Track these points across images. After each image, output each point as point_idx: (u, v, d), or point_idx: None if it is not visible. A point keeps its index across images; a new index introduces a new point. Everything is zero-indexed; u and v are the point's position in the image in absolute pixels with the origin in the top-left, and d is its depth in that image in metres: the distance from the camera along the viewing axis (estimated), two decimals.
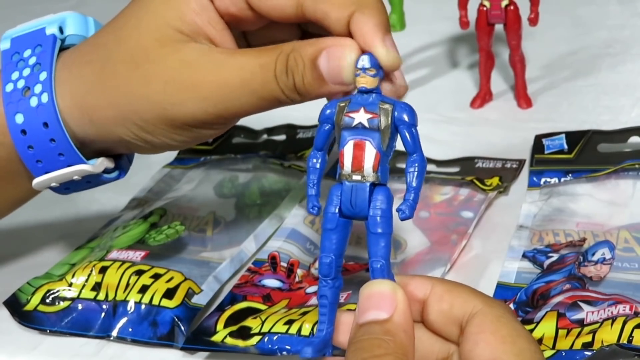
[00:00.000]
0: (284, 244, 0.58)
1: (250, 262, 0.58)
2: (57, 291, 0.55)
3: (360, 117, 0.40)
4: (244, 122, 0.63)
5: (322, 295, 0.41)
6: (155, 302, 0.53)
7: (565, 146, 0.63)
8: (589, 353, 0.45)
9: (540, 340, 0.47)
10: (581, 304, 0.48)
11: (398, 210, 0.39)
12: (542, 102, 0.72)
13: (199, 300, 0.54)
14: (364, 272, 0.54)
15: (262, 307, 0.53)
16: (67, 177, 0.50)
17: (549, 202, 0.59)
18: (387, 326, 0.37)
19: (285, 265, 0.56)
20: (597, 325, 0.46)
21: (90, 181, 0.51)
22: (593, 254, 0.52)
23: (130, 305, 0.53)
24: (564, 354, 0.45)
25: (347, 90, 0.43)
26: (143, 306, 0.53)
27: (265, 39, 0.50)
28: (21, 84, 0.48)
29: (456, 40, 0.82)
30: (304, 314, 0.50)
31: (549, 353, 0.45)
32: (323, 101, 0.45)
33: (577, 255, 0.52)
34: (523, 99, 0.72)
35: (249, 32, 0.50)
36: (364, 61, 0.41)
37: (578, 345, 0.46)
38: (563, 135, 0.64)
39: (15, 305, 0.55)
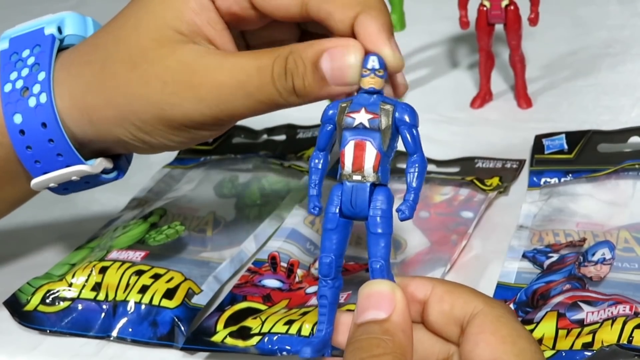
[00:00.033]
0: (284, 244, 0.58)
1: (250, 262, 0.58)
2: (57, 291, 0.55)
3: (361, 117, 0.40)
4: (244, 122, 0.63)
5: (322, 295, 0.41)
6: (155, 302, 0.53)
7: (565, 146, 0.63)
8: (589, 353, 0.45)
9: (540, 341, 0.47)
10: (581, 304, 0.48)
11: (398, 210, 0.40)
12: (542, 102, 0.72)
13: (199, 300, 0.54)
14: (364, 273, 0.54)
15: (262, 307, 0.53)
16: (65, 178, 0.50)
17: (549, 202, 0.59)
18: (385, 326, 0.37)
19: (285, 265, 0.56)
20: (597, 325, 0.46)
21: (88, 182, 0.51)
22: (593, 254, 0.52)
23: (130, 306, 0.53)
24: (564, 354, 0.45)
25: (349, 92, 0.43)
26: (143, 306, 0.53)
27: (264, 39, 0.50)
28: (20, 84, 0.48)
29: (456, 40, 0.82)
30: (304, 314, 0.50)
31: (549, 353, 0.46)
32: (323, 101, 0.45)
33: (577, 256, 0.52)
34: (523, 99, 0.72)
35: (248, 32, 0.50)
36: (374, 62, 0.41)
37: (578, 345, 0.46)
38: (563, 136, 0.64)
39: (15, 306, 0.55)
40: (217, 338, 0.51)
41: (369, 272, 0.40)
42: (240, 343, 0.50)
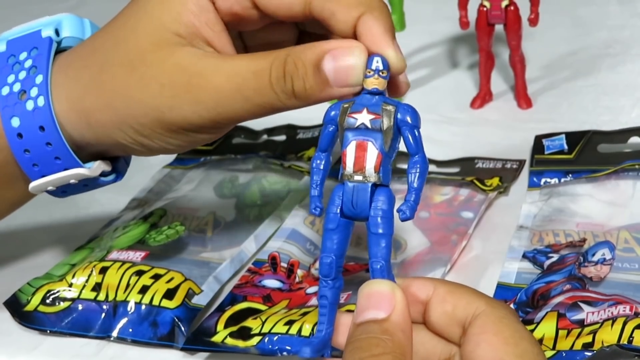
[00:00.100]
0: (284, 244, 0.58)
1: (251, 263, 0.58)
2: (58, 292, 0.55)
3: (363, 117, 0.40)
4: (244, 122, 0.62)
5: (322, 295, 0.41)
6: (156, 302, 0.53)
7: (565, 146, 0.63)
8: (589, 353, 0.45)
9: (540, 341, 0.47)
10: (581, 304, 0.48)
11: (398, 210, 0.40)
12: (542, 102, 0.72)
13: (199, 300, 0.54)
14: (364, 273, 0.54)
15: (262, 307, 0.53)
16: (63, 181, 0.50)
17: (549, 203, 0.59)
18: (385, 325, 0.37)
19: (285, 265, 0.56)
20: (598, 325, 0.46)
21: (87, 184, 0.51)
22: (593, 255, 0.52)
23: (131, 306, 0.53)
24: (564, 354, 0.45)
25: (350, 94, 0.43)
26: (143, 306, 0.53)
27: (262, 40, 0.50)
28: (17, 87, 0.48)
29: (456, 41, 0.82)
30: (304, 314, 0.50)
31: (549, 353, 0.46)
32: (323, 102, 0.45)
33: (577, 256, 0.52)
34: (523, 99, 0.72)
35: (246, 33, 0.50)
36: (378, 62, 0.41)
37: (578, 345, 0.46)
38: (563, 136, 0.64)
39: (15, 306, 0.55)
40: (217, 338, 0.51)
41: (370, 272, 0.40)
42: (240, 343, 0.50)
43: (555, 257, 0.53)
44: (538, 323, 0.48)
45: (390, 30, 0.42)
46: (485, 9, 0.69)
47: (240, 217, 0.62)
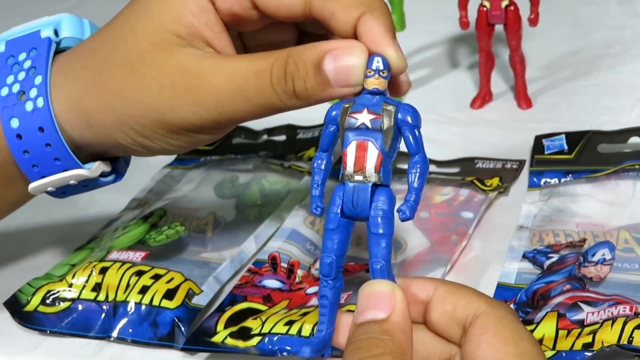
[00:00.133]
0: (284, 244, 0.58)
1: (251, 263, 0.58)
2: (58, 292, 0.55)
3: (364, 117, 0.40)
4: (244, 122, 0.63)
5: (323, 295, 0.41)
6: (156, 302, 0.53)
7: (565, 147, 0.63)
8: (589, 354, 0.45)
9: (540, 341, 0.47)
10: (581, 304, 0.48)
11: (398, 211, 0.40)
12: (542, 102, 0.72)
13: (199, 300, 0.54)
14: (365, 273, 0.54)
15: (262, 307, 0.53)
16: (63, 182, 0.49)
17: (549, 203, 0.59)
18: (385, 326, 0.37)
19: (285, 265, 0.56)
20: (598, 325, 0.46)
21: (87, 185, 0.51)
22: (593, 255, 0.52)
23: (131, 306, 0.53)
24: (564, 354, 0.45)
25: (350, 94, 0.43)
26: (143, 307, 0.53)
27: (262, 40, 0.49)
28: (16, 88, 0.48)
29: (456, 41, 0.82)
30: (305, 314, 0.50)
31: (549, 354, 0.46)
32: (322, 104, 0.45)
33: (577, 256, 0.52)
34: (523, 99, 0.72)
35: (246, 33, 0.50)
36: (379, 62, 0.41)
37: (578, 345, 0.46)
38: (563, 136, 0.64)
39: (15, 306, 0.55)
40: (217, 338, 0.51)
41: (370, 272, 0.40)
42: (240, 343, 0.50)
43: (555, 257, 0.53)
44: (538, 323, 0.48)
45: (390, 30, 0.42)
46: (485, 9, 0.69)
47: (240, 217, 0.62)
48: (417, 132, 0.40)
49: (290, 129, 0.71)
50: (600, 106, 0.70)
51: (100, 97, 0.47)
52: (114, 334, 0.53)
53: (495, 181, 0.61)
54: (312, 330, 0.49)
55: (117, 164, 0.52)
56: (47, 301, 0.55)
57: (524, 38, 0.70)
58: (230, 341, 0.50)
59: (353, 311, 0.39)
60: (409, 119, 0.40)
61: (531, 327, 0.48)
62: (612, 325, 0.46)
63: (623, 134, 0.63)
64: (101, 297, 0.54)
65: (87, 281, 0.55)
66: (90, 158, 0.50)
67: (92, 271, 0.55)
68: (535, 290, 0.51)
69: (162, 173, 0.69)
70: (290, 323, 0.50)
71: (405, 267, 0.55)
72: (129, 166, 0.53)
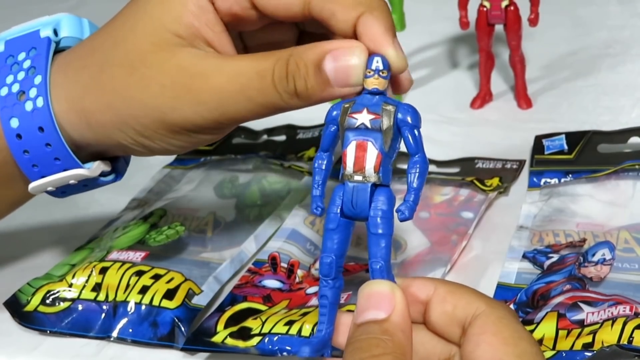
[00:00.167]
0: (284, 244, 0.58)
1: (251, 263, 0.58)
2: (58, 292, 0.55)
3: (363, 117, 0.40)
4: (245, 122, 0.63)
5: (323, 295, 0.41)
6: (156, 302, 0.53)
7: (565, 147, 0.63)
8: (589, 354, 0.45)
9: (540, 341, 0.47)
10: (581, 304, 0.48)
11: (397, 211, 0.40)
12: (542, 102, 0.72)
13: (199, 300, 0.54)
14: (365, 273, 0.54)
15: (262, 307, 0.53)
16: (63, 182, 0.49)
17: (549, 203, 0.59)
18: (385, 326, 0.37)
19: (285, 265, 0.56)
20: (598, 326, 0.46)
21: (87, 185, 0.51)
22: (593, 255, 0.52)
23: (131, 306, 0.53)
24: (564, 354, 0.45)
25: (351, 93, 0.43)
26: (143, 307, 0.53)
27: (262, 40, 0.49)
28: (16, 87, 0.48)
29: (456, 41, 0.82)
30: (305, 314, 0.50)
31: (549, 354, 0.46)
32: (323, 103, 0.45)
33: (577, 256, 0.52)
34: (523, 99, 0.72)
35: (246, 33, 0.50)
36: (379, 63, 0.41)
37: (578, 345, 0.46)
38: (563, 136, 0.64)
39: (15, 306, 0.55)
40: (217, 338, 0.51)
41: (369, 272, 0.40)
42: (240, 343, 0.50)
43: (555, 257, 0.53)
44: (538, 323, 0.48)
45: (390, 29, 0.42)
46: (485, 9, 0.69)
47: (240, 217, 0.62)
48: (416, 132, 0.40)
49: (290, 129, 0.71)
50: (600, 106, 0.70)
51: (100, 97, 0.47)
52: (114, 334, 0.53)
53: (495, 181, 0.61)
54: (312, 330, 0.49)
55: (117, 164, 0.52)
56: (47, 301, 0.55)
57: (524, 38, 0.70)
58: (230, 341, 0.50)
59: (353, 311, 0.39)
60: (409, 119, 0.40)
61: (531, 327, 0.48)
62: (612, 325, 0.46)
63: (623, 134, 0.63)
64: (101, 297, 0.54)
65: (87, 281, 0.55)
66: (90, 158, 0.50)
67: (92, 271, 0.55)
68: (535, 290, 0.51)
69: (162, 173, 0.69)
70: (290, 323, 0.50)
71: (405, 267, 0.55)
72: (128, 166, 0.53)
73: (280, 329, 0.49)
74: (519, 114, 0.72)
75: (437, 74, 0.79)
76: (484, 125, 0.71)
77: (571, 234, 0.55)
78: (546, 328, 0.47)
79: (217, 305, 0.54)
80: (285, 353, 0.49)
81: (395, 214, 0.40)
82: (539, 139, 0.65)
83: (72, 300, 0.55)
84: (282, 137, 0.71)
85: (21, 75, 0.48)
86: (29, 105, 0.48)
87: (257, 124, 0.71)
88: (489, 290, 0.52)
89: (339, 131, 0.41)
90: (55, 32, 0.50)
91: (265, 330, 0.50)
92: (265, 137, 0.71)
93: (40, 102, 0.47)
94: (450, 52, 0.82)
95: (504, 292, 0.52)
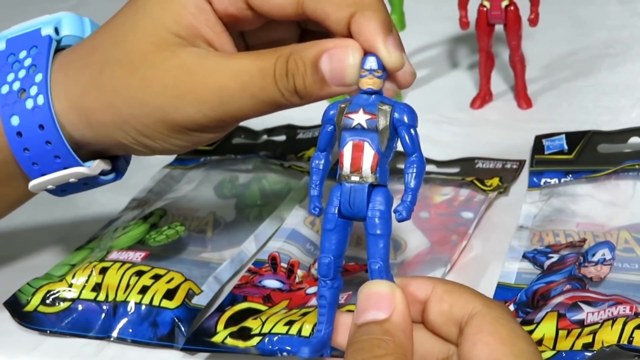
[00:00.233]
0: (284, 244, 0.58)
1: (251, 263, 0.58)
2: (57, 292, 0.55)
3: (359, 118, 0.40)
4: (244, 122, 0.62)
5: (321, 295, 0.41)
6: (156, 302, 0.53)
7: (566, 147, 0.63)
8: (590, 354, 0.45)
9: (540, 341, 0.47)
10: (581, 304, 0.48)
11: (395, 211, 0.39)
12: (542, 102, 0.72)
13: (199, 300, 0.54)
14: (364, 273, 0.54)
15: (262, 307, 0.53)
16: (63, 180, 0.50)
17: (549, 203, 0.59)
18: (386, 326, 0.37)
19: (285, 265, 0.56)
20: (598, 326, 0.46)
21: (87, 183, 0.51)
22: (593, 255, 0.52)
23: (131, 306, 0.53)
24: (564, 354, 0.45)
25: (349, 91, 0.43)
26: (143, 307, 0.53)
27: (263, 39, 0.50)
28: (17, 85, 0.48)
29: (456, 41, 0.82)
30: (305, 314, 0.50)
31: (549, 354, 0.45)
32: (323, 102, 0.45)
33: (578, 256, 0.52)
34: (523, 99, 0.72)
35: (247, 32, 0.50)
36: (372, 63, 0.41)
37: (578, 346, 0.46)
38: (563, 136, 0.64)
39: (15, 306, 0.55)
40: (217, 338, 0.51)
41: (368, 273, 0.40)
42: (240, 343, 0.50)
43: (555, 257, 0.53)
44: (538, 323, 0.48)
45: (383, 28, 0.42)
46: (485, 9, 0.69)
47: (240, 217, 0.62)
48: (413, 132, 0.40)
49: (290, 129, 0.71)
50: (600, 106, 0.70)
51: (100, 97, 0.47)
52: (114, 334, 0.53)
53: (495, 181, 0.61)
54: (312, 330, 0.49)
55: (118, 163, 0.52)
56: (47, 301, 0.55)
57: (524, 38, 0.70)
58: (230, 341, 0.50)
59: (352, 311, 0.39)
60: (405, 119, 0.40)
61: (531, 327, 0.48)
62: (612, 325, 0.46)
63: (623, 134, 0.63)
64: (101, 297, 0.54)
65: (87, 281, 0.55)
66: (90, 156, 0.50)
67: (92, 271, 0.55)
68: (535, 291, 0.51)
69: (162, 173, 0.69)
70: (290, 323, 0.50)
71: (405, 267, 0.55)
72: (129, 165, 0.53)
73: (280, 329, 0.49)
74: (519, 114, 0.72)
75: (437, 74, 0.79)
76: (484, 125, 0.71)
77: (571, 234, 0.55)
78: (546, 328, 0.47)
79: (217, 305, 0.54)
80: (285, 353, 0.49)
81: (393, 215, 0.40)
82: (539, 139, 0.65)
83: (72, 300, 0.55)
84: (282, 137, 0.71)
85: (22, 73, 0.48)
86: (29, 103, 0.48)
87: (257, 124, 0.71)
88: (489, 290, 0.52)
89: (336, 131, 0.41)
90: (57, 31, 0.50)
91: (265, 330, 0.50)
92: (265, 137, 0.71)
93: (40, 99, 0.47)
94: (450, 52, 0.82)
95: (504, 292, 0.52)
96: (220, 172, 0.68)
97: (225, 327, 0.51)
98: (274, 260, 0.57)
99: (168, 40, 0.46)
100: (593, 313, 0.47)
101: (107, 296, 0.54)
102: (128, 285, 0.54)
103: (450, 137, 0.69)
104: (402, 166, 0.40)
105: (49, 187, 0.50)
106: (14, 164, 0.49)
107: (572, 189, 0.59)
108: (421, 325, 0.40)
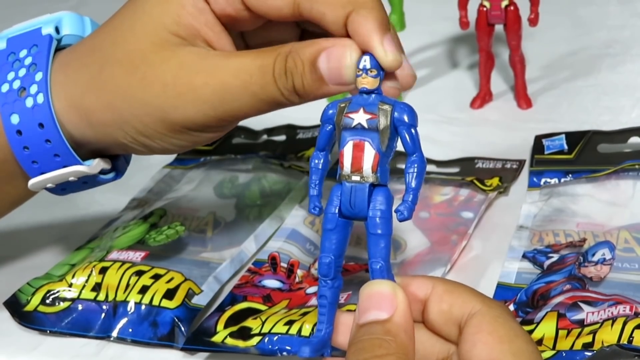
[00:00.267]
0: (284, 244, 0.58)
1: (251, 263, 0.58)
2: (57, 292, 0.55)
3: (360, 117, 0.40)
4: (244, 122, 0.62)
5: (322, 295, 0.41)
6: (156, 302, 0.53)
7: (565, 146, 0.63)
8: (589, 353, 0.45)
9: (540, 341, 0.47)
10: (581, 304, 0.48)
11: (396, 211, 0.39)
12: (542, 102, 0.72)
13: (199, 300, 0.54)
14: (364, 273, 0.54)
15: (262, 307, 0.53)
16: (62, 178, 0.50)
17: (549, 203, 0.59)
18: (387, 326, 0.37)
19: (285, 265, 0.56)
20: (598, 325, 0.46)
21: (86, 182, 0.51)
22: (593, 255, 0.52)
23: (131, 306, 0.53)
24: (564, 354, 0.45)
25: (347, 90, 0.43)
26: (143, 307, 0.53)
27: (263, 39, 0.50)
28: (17, 84, 0.48)
29: (456, 41, 0.82)
30: (304, 314, 0.50)
31: (549, 353, 0.46)
32: (323, 101, 0.45)
33: (577, 256, 0.52)
34: (523, 99, 0.72)
35: (247, 32, 0.50)
36: (366, 62, 0.41)
37: (578, 345, 0.46)
38: (563, 136, 0.64)
39: (15, 306, 0.55)
40: (217, 338, 0.51)
41: (369, 272, 0.40)
42: (240, 343, 0.50)
43: (555, 257, 0.53)
44: (538, 323, 0.48)
45: (379, 27, 0.42)
46: (485, 9, 0.69)
47: (240, 217, 0.62)
48: (413, 131, 0.40)
49: (290, 129, 0.71)
50: (600, 106, 0.70)
51: (100, 96, 0.47)
52: (114, 333, 0.53)
53: (495, 181, 0.61)
54: (312, 330, 0.49)
55: (117, 162, 0.52)
56: (47, 301, 0.55)
57: (524, 38, 0.70)
58: (230, 341, 0.50)
59: (352, 311, 0.39)
60: (406, 118, 0.40)
61: (531, 327, 0.48)
62: (612, 325, 0.46)
63: (623, 134, 0.63)
64: (101, 297, 0.54)
65: (87, 281, 0.55)
66: (90, 155, 0.50)
67: (92, 271, 0.55)
68: (535, 290, 0.51)
69: (162, 173, 0.69)
70: (290, 323, 0.50)
71: (405, 267, 0.55)
72: (129, 164, 0.54)
73: (280, 328, 0.49)
74: (519, 114, 0.72)
75: (437, 74, 0.79)
76: (484, 125, 0.71)
77: (571, 234, 0.55)
78: (546, 328, 0.47)
79: (217, 305, 0.54)
80: (285, 353, 0.49)
81: (394, 214, 0.40)
82: (539, 139, 0.65)
83: (72, 300, 0.55)
84: (282, 137, 0.71)
85: (22, 72, 0.48)
86: (29, 102, 0.48)
87: (257, 124, 0.71)
88: (489, 290, 0.52)
89: (335, 130, 0.41)
90: (57, 30, 0.50)
91: (265, 330, 0.50)
92: (265, 137, 0.71)
93: (40, 98, 0.47)
94: (450, 52, 0.82)
95: (504, 292, 0.52)
96: (220, 172, 0.68)
97: (225, 326, 0.51)
98: (273, 260, 0.57)
99: (168, 40, 0.46)
100: (593, 313, 0.47)
101: (107, 296, 0.54)
102: (128, 285, 0.54)
103: (450, 137, 0.69)
104: (402, 166, 0.40)
105: (49, 185, 0.50)
106: (14, 162, 0.49)
107: (572, 188, 0.59)
108: (421, 324, 0.40)
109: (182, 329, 0.52)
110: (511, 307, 0.50)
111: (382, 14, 0.42)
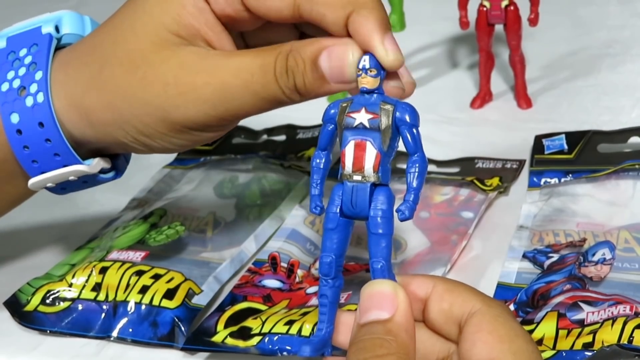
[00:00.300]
0: (284, 244, 0.58)
1: (251, 263, 0.58)
2: (58, 292, 0.55)
3: (361, 117, 0.40)
4: (244, 122, 0.62)
5: (322, 294, 0.41)
6: (156, 302, 0.53)
7: (565, 146, 0.63)
8: (590, 353, 0.45)
9: (540, 341, 0.47)
10: (581, 304, 0.48)
11: (397, 211, 0.39)
12: (542, 102, 0.72)
13: (199, 300, 0.54)
14: (365, 273, 0.54)
15: (262, 307, 0.53)
16: (62, 178, 0.50)
17: (549, 203, 0.59)
18: (388, 326, 0.37)
19: (285, 265, 0.56)
20: (598, 325, 0.46)
21: (86, 181, 0.51)
22: (593, 254, 0.52)
23: (131, 306, 0.53)
24: (564, 354, 0.45)
25: (349, 88, 0.43)
26: (143, 307, 0.53)
27: (263, 40, 0.49)
28: (17, 83, 0.48)
29: (456, 41, 0.82)
30: (305, 314, 0.50)
31: (549, 353, 0.46)
32: (323, 101, 0.45)
33: (578, 256, 0.52)
34: (523, 99, 0.72)
35: (247, 33, 0.50)
36: (365, 61, 0.41)
37: (578, 345, 0.46)
38: (563, 136, 0.64)
39: (15, 306, 0.55)
40: (217, 338, 0.51)
41: (370, 272, 0.40)
42: (240, 343, 0.50)
43: (555, 257, 0.53)
44: (538, 323, 0.48)
45: (380, 27, 0.42)
46: (485, 9, 0.69)
47: (240, 217, 0.62)
48: (415, 131, 0.40)
49: (290, 129, 0.71)
50: (600, 106, 0.70)
51: (101, 96, 0.47)
52: (114, 333, 0.53)
53: (495, 181, 0.61)
54: (312, 329, 0.49)
55: (117, 161, 0.52)
56: (47, 301, 0.55)
57: (524, 38, 0.70)
58: (230, 341, 0.50)
59: (353, 310, 0.39)
60: (407, 118, 0.40)
61: (531, 327, 0.48)
62: (612, 324, 0.46)
63: (623, 134, 0.63)
64: (101, 297, 0.54)
65: (87, 281, 0.55)
66: (90, 154, 0.50)
67: (92, 271, 0.55)
68: (536, 290, 0.51)
69: (162, 173, 0.69)
70: (290, 323, 0.50)
71: (405, 267, 0.55)
72: (129, 163, 0.54)
73: (280, 328, 0.49)
74: (519, 114, 0.72)
75: (437, 74, 0.79)
76: (484, 125, 0.71)
77: (571, 234, 0.55)
78: (546, 328, 0.47)
79: (217, 305, 0.54)
80: (285, 353, 0.49)
81: (395, 214, 0.40)
82: (539, 139, 0.65)
83: (72, 300, 0.55)
84: (282, 137, 0.71)
85: (22, 71, 0.48)
86: (29, 101, 0.48)
87: (257, 124, 0.71)
88: (489, 290, 0.52)
89: (337, 130, 0.41)
90: (57, 29, 0.50)
91: (265, 330, 0.50)
92: (265, 137, 0.71)
93: (40, 97, 0.47)
94: (450, 52, 0.82)
95: (504, 291, 0.52)
96: (220, 172, 0.68)
97: (225, 326, 0.51)
98: (274, 260, 0.57)
99: (168, 40, 0.46)
100: (593, 313, 0.47)
101: (107, 296, 0.54)
102: (128, 285, 0.54)
103: (450, 137, 0.69)
104: (403, 166, 0.40)
105: (49, 185, 0.50)
106: (14, 161, 0.49)
107: (572, 188, 0.59)
108: (422, 323, 0.40)
109: (182, 329, 0.52)
110: (511, 307, 0.50)
111: (382, 14, 0.43)
